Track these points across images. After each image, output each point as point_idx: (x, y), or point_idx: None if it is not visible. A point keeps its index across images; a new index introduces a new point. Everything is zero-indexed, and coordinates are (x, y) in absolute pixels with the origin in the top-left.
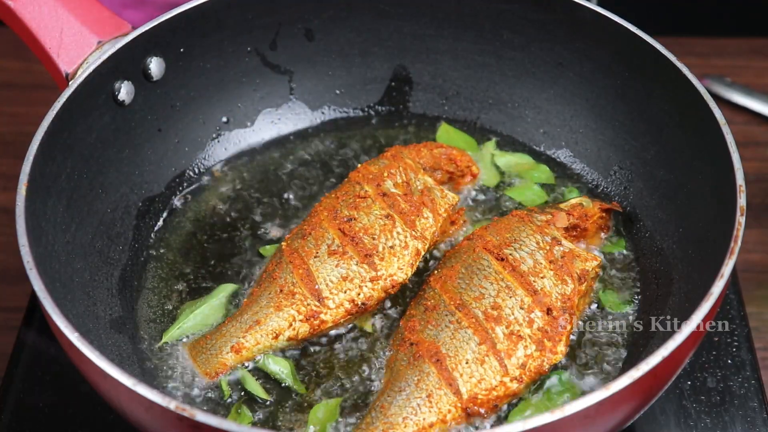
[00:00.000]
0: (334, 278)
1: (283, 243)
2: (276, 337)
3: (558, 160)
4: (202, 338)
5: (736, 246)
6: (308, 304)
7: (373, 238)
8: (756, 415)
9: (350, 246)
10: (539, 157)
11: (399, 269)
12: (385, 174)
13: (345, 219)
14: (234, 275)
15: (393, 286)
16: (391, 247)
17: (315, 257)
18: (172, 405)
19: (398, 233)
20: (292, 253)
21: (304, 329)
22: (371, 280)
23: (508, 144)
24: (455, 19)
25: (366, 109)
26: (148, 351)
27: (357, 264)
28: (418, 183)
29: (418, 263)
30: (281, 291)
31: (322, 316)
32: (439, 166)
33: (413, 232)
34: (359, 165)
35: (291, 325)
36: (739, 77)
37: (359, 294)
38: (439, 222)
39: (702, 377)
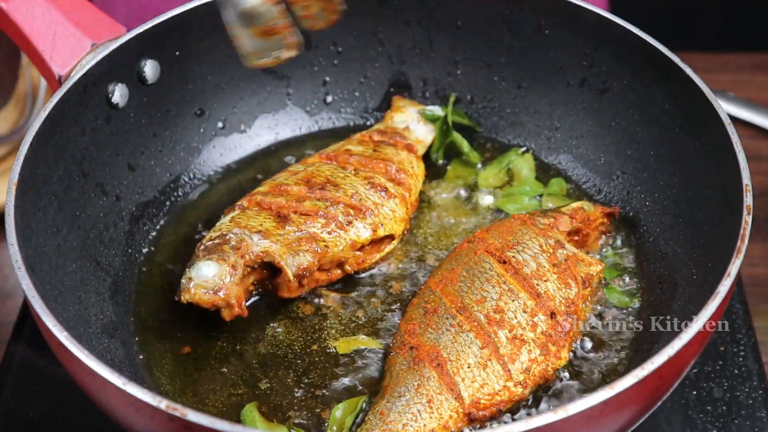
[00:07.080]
0: None
1: None
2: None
3: (559, 166)
4: None
5: (743, 245)
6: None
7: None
8: (764, 425)
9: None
10: (540, 163)
11: None
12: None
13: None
14: None
15: None
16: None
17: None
18: (162, 404)
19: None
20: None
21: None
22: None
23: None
24: (455, 24)
25: (364, 116)
26: (140, 357)
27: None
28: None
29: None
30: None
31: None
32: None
33: None
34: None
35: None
36: (741, 92)
37: None
38: None
39: (708, 387)
